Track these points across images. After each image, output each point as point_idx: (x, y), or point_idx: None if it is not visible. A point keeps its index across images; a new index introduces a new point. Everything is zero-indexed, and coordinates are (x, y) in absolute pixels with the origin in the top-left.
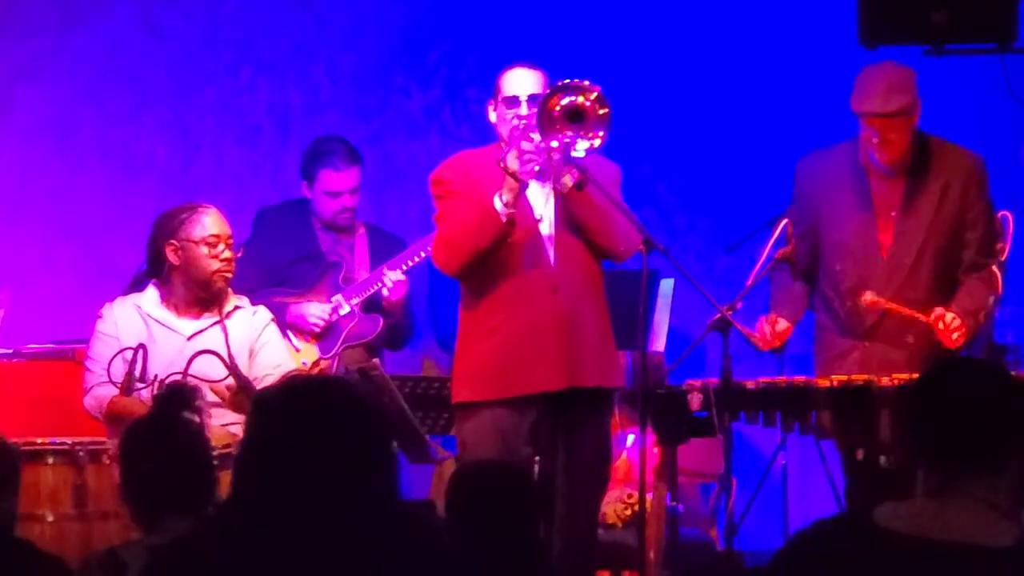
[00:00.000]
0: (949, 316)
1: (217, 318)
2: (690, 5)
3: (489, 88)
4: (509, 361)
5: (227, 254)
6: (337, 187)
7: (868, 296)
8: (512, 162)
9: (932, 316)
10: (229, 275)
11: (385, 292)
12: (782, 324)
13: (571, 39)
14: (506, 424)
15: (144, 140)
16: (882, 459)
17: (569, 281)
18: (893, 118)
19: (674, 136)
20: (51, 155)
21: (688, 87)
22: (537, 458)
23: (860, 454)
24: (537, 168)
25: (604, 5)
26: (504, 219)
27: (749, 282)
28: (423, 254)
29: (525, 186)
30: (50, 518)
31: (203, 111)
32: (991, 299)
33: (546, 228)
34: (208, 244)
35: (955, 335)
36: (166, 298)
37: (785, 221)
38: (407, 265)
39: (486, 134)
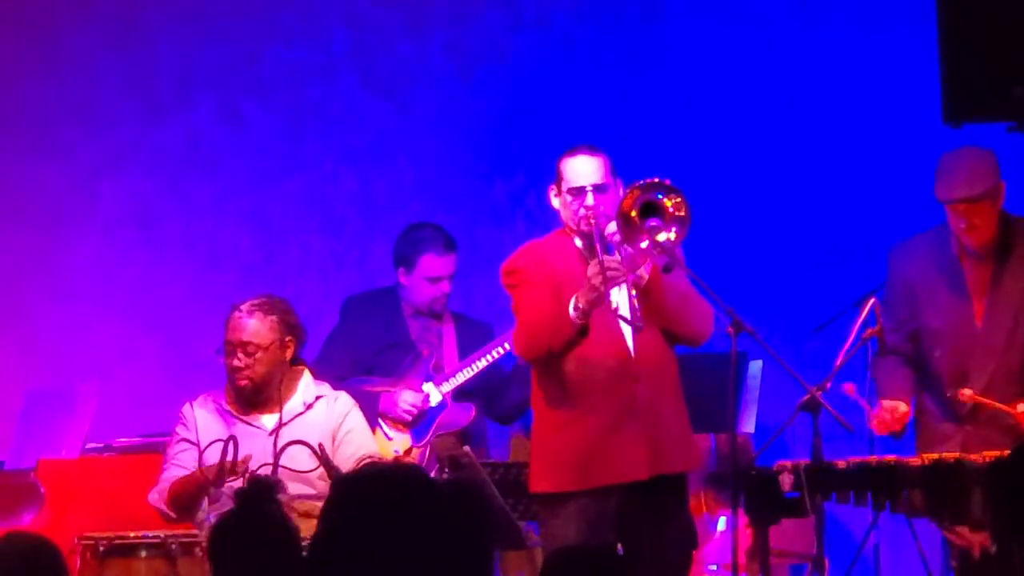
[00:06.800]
0: None
1: (300, 411)
2: (778, 86)
3: None
4: (593, 452)
5: (240, 361)
6: (438, 272)
7: (967, 392)
8: (595, 277)
9: (1018, 409)
10: (242, 381)
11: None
12: (902, 407)
13: (650, 125)
14: (591, 513)
15: (228, 231)
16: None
17: (649, 369)
18: (978, 202)
19: (762, 218)
20: (135, 247)
21: (775, 168)
22: (619, 544)
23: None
24: (622, 282)
25: (684, 91)
26: (577, 323)
27: (838, 362)
28: (506, 346)
29: (605, 295)
30: None
31: (286, 201)
32: None
33: (623, 319)
34: (227, 349)
35: None
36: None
37: (872, 300)
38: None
39: None
